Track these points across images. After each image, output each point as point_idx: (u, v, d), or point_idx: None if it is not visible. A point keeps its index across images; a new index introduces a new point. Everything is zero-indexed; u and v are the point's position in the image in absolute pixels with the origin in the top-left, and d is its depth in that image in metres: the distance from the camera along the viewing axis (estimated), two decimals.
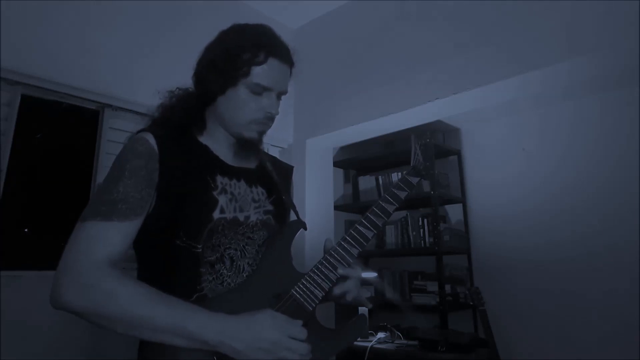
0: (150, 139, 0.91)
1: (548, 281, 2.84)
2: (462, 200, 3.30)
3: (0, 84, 1.77)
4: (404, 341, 2.74)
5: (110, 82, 2.04)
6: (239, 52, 0.93)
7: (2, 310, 1.62)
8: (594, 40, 1.74)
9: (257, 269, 0.94)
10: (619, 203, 2.67)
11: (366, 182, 3.47)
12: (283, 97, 1.01)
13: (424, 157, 1.08)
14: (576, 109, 2.95)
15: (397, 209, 1.02)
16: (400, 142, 3.33)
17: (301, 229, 1.01)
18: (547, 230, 2.90)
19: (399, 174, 3.29)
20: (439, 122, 3.06)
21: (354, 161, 3.54)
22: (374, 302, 3.16)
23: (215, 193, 0.93)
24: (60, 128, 2.13)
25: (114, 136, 2.07)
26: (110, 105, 2.07)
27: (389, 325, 2.87)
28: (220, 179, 0.96)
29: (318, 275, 0.94)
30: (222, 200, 0.94)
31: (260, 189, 1.04)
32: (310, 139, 2.76)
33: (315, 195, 2.76)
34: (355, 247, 0.97)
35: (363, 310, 2.92)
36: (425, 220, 3.14)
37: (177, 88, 1.03)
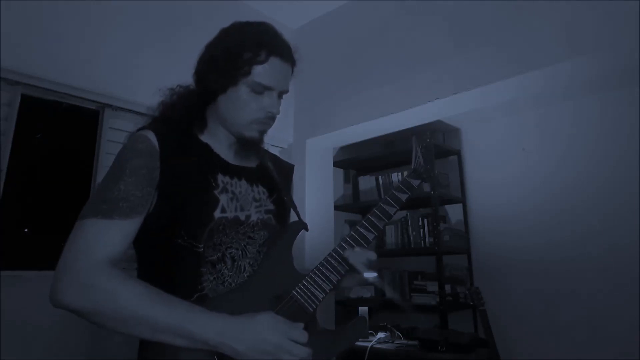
0: (152, 137, 0.90)
1: (548, 281, 2.84)
2: (462, 200, 3.30)
3: (0, 84, 1.77)
4: (404, 341, 2.74)
5: (110, 82, 2.04)
6: (240, 50, 0.92)
7: (2, 310, 1.62)
8: (594, 40, 1.74)
9: (258, 269, 0.94)
10: (619, 203, 2.67)
11: (366, 182, 3.47)
12: (284, 95, 1.00)
13: (425, 160, 1.08)
14: (576, 109, 2.95)
15: (397, 211, 1.02)
16: (400, 142, 3.33)
17: (302, 230, 1.01)
18: (547, 230, 2.90)
19: (399, 174, 3.29)
20: (439, 122, 3.06)
21: (354, 161, 3.54)
22: (374, 302, 3.16)
23: (216, 192, 0.93)
24: (60, 128, 2.14)
25: (114, 136, 2.07)
26: (110, 105, 2.07)
27: (389, 325, 2.87)
28: (221, 178, 0.95)
29: (319, 276, 0.94)
30: (223, 199, 0.93)
31: (261, 188, 1.03)
32: (310, 139, 2.76)
33: (315, 195, 2.76)
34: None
35: (363, 309, 2.92)
36: (425, 220, 3.14)
37: (178, 85, 1.02)
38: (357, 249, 0.96)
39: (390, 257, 3.47)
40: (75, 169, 2.20)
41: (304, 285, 0.92)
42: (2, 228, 1.82)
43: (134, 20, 2.17)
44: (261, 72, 0.93)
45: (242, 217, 0.96)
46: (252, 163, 1.05)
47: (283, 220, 1.07)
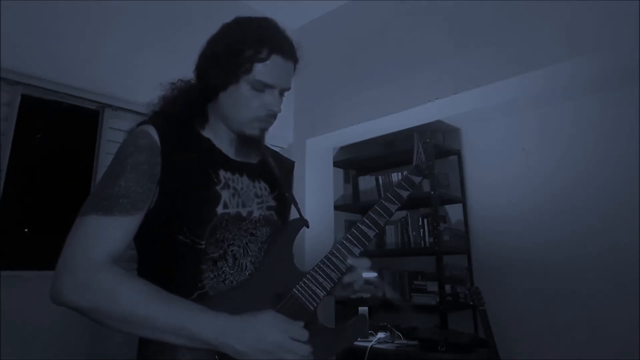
0: (153, 132, 0.89)
1: (548, 281, 2.84)
2: (462, 200, 3.30)
3: (0, 84, 1.77)
4: (404, 341, 2.74)
5: (110, 82, 2.04)
6: (242, 47, 0.91)
7: (2, 310, 1.62)
8: (594, 40, 1.74)
9: (259, 268, 0.93)
10: (619, 203, 2.67)
11: (366, 182, 3.47)
12: (285, 93, 0.99)
13: (426, 156, 1.08)
14: (576, 109, 2.95)
15: (398, 209, 1.02)
16: (400, 142, 3.33)
17: (303, 227, 1.00)
18: (547, 230, 2.90)
19: (399, 174, 3.29)
20: (439, 122, 3.06)
21: (354, 161, 3.54)
22: (374, 302, 3.16)
23: (218, 188, 0.92)
24: (60, 128, 2.13)
25: (114, 136, 2.07)
26: (110, 105, 2.07)
27: (389, 325, 2.87)
28: (223, 174, 0.95)
29: (320, 274, 0.93)
30: (225, 195, 0.92)
31: (262, 184, 1.02)
32: (310, 139, 2.76)
33: (315, 195, 2.76)
34: (357, 247, 0.97)
35: (363, 309, 2.92)
36: (425, 220, 3.14)
37: (179, 80, 1.01)
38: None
39: (390, 257, 3.47)
40: (75, 169, 2.20)
41: (304, 283, 0.92)
42: (2, 228, 1.82)
43: (134, 20, 2.17)
44: (262, 70, 0.91)
45: (244, 214, 0.95)
46: (253, 159, 1.04)
47: (284, 217, 1.06)
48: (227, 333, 0.78)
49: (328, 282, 0.93)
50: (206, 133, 0.99)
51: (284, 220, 1.06)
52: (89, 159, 2.03)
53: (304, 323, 0.87)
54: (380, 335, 2.80)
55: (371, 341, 2.71)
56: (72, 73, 1.93)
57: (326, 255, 0.96)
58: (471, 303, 2.48)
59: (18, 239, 2.06)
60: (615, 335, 2.55)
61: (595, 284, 2.67)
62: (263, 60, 0.91)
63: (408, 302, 3.09)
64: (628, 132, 2.70)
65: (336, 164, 3.37)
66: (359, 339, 0.99)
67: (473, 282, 3.11)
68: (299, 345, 0.82)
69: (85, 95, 1.99)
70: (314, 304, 0.91)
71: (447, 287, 2.90)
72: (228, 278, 0.90)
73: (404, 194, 1.02)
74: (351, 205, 3.53)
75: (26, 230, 2.12)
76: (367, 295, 3.16)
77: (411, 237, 3.20)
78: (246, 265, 0.92)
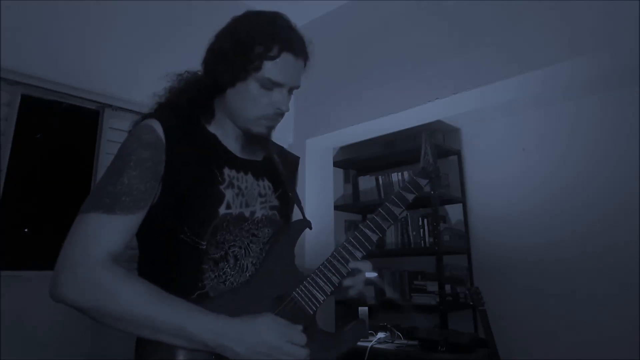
0: (158, 128, 0.87)
1: (548, 281, 2.84)
2: (462, 200, 3.30)
3: (0, 84, 1.77)
4: (404, 341, 2.73)
5: (110, 82, 2.04)
6: (252, 44, 0.88)
7: (2, 310, 1.62)
8: (594, 40, 1.74)
9: (259, 269, 0.92)
10: (619, 203, 2.67)
11: (366, 182, 3.47)
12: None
13: (433, 158, 1.05)
14: (576, 109, 2.95)
15: (403, 212, 1.00)
16: (400, 142, 3.33)
17: (306, 229, 0.99)
18: (547, 230, 2.90)
19: (399, 174, 3.29)
20: (439, 122, 3.06)
21: (354, 161, 3.54)
22: (374, 302, 3.16)
23: (222, 187, 0.90)
24: (60, 128, 2.14)
25: (114, 136, 2.07)
26: (110, 105, 2.07)
27: (389, 325, 2.86)
28: (227, 172, 0.93)
29: (320, 277, 0.93)
30: (228, 194, 0.91)
31: (266, 183, 1.00)
32: (310, 139, 2.76)
33: (315, 195, 2.76)
34: (359, 250, 0.96)
35: (363, 309, 2.92)
36: (425, 220, 3.14)
37: (186, 71, 0.99)
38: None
39: (390, 257, 3.47)
40: (75, 169, 2.20)
41: (305, 286, 0.91)
42: (2, 228, 1.82)
43: (134, 20, 2.17)
44: (272, 68, 0.89)
45: (247, 214, 0.93)
46: (258, 156, 1.02)
47: (287, 217, 1.05)
48: (226, 335, 0.77)
49: (328, 286, 0.93)
50: (212, 128, 0.97)
51: (286, 220, 1.04)
52: (89, 159, 2.03)
53: (302, 327, 0.86)
54: (380, 335, 2.80)
55: (371, 341, 2.71)
56: (72, 73, 1.93)
57: (328, 258, 0.95)
58: (471, 303, 2.48)
59: (18, 239, 2.06)
60: (615, 335, 2.55)
61: (595, 284, 2.67)
62: (273, 58, 0.89)
63: (408, 302, 3.09)
64: (628, 132, 2.70)
65: (336, 164, 3.36)
66: (358, 343, 0.98)
67: (473, 282, 3.11)
68: (297, 349, 0.82)
69: (85, 95, 1.99)
70: (314, 307, 0.91)
71: (447, 287, 2.90)
72: (229, 279, 0.89)
73: (410, 196, 1.01)
74: (351, 205, 3.53)
75: (26, 230, 2.12)
76: (371, 301, 3.16)
77: (411, 237, 3.20)
78: (247, 267, 0.91)
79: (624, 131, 2.72)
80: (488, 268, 3.09)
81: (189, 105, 0.94)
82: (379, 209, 0.98)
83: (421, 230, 3.15)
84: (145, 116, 0.92)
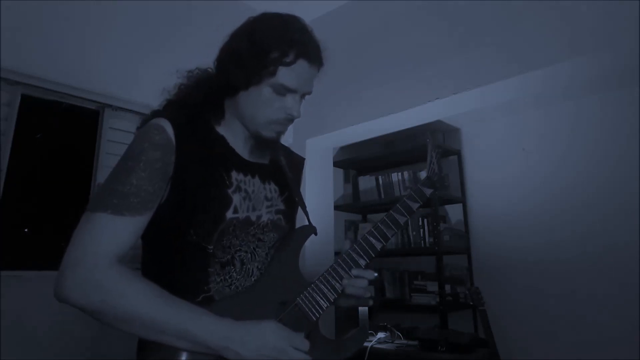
0: (168, 128, 0.86)
1: (548, 281, 2.84)
2: (462, 200, 3.30)
3: (0, 84, 1.77)
4: (404, 341, 2.74)
5: (110, 82, 2.04)
6: (267, 48, 0.87)
7: (2, 310, 1.62)
8: (594, 40, 1.74)
9: (264, 274, 0.92)
10: (619, 203, 2.67)
11: (366, 182, 3.47)
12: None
13: (439, 167, 1.07)
14: (576, 109, 2.95)
15: (407, 221, 1.01)
16: (400, 142, 3.33)
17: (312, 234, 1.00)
18: (547, 230, 2.90)
19: (399, 174, 3.29)
20: (439, 122, 3.06)
21: (354, 161, 3.54)
22: (374, 302, 3.16)
23: (229, 191, 0.90)
24: (60, 128, 2.14)
25: (114, 136, 2.07)
26: (110, 105, 2.07)
27: (389, 325, 2.86)
28: (235, 175, 0.92)
29: (324, 284, 0.93)
30: (236, 199, 0.90)
31: (273, 186, 1.00)
32: (310, 139, 2.76)
33: (315, 195, 2.76)
34: (363, 258, 0.97)
35: (363, 309, 2.92)
36: (425, 220, 3.14)
37: (197, 68, 0.98)
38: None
39: (390, 257, 3.47)
40: (75, 169, 2.20)
41: (309, 293, 0.92)
42: (2, 228, 1.82)
43: (134, 20, 2.17)
44: (287, 74, 0.89)
45: (253, 218, 0.93)
46: (265, 159, 1.02)
47: (292, 221, 1.05)
48: (230, 338, 0.78)
49: (332, 293, 0.93)
50: (221, 130, 0.96)
51: (291, 224, 1.04)
52: (89, 159, 2.03)
53: (305, 333, 0.87)
54: (380, 335, 2.80)
55: (371, 341, 2.71)
56: (72, 73, 1.93)
57: (332, 265, 0.95)
58: (471, 303, 2.48)
59: (18, 239, 2.06)
60: (615, 335, 2.55)
61: (595, 284, 2.67)
62: (289, 64, 0.88)
63: (408, 302, 3.09)
64: (628, 132, 2.70)
65: (336, 164, 3.36)
66: (358, 349, 0.98)
67: (473, 282, 3.11)
68: (301, 354, 0.82)
69: (85, 95, 1.99)
70: (317, 314, 0.91)
71: (447, 287, 2.90)
72: (234, 283, 0.88)
73: (414, 206, 1.01)
74: (351, 205, 3.53)
75: (26, 230, 2.12)
76: (367, 295, 3.15)
77: (411, 237, 3.20)
78: (253, 271, 0.91)
79: (624, 131, 2.72)
80: (488, 268, 3.09)
81: (199, 104, 0.94)
82: (384, 217, 0.99)
83: (421, 230, 3.15)
84: (155, 114, 0.91)
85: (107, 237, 0.78)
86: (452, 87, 2.12)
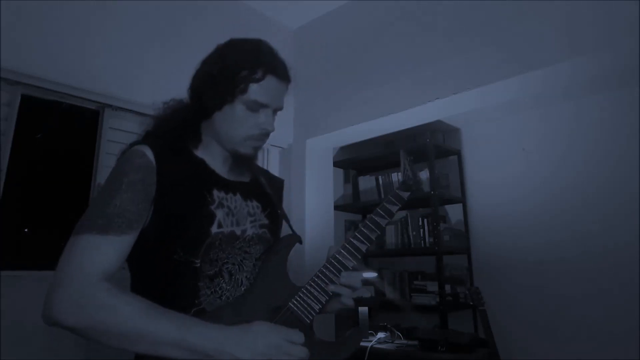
0: (148, 152, 0.90)
1: (548, 281, 2.84)
2: (462, 200, 3.30)
3: (0, 84, 1.77)
4: (404, 341, 2.74)
5: (110, 82, 2.04)
6: (237, 68, 0.93)
7: (2, 310, 1.62)
8: (594, 40, 1.74)
9: (254, 283, 0.95)
10: (619, 203, 2.67)
11: (366, 182, 3.47)
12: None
13: (413, 172, 1.12)
14: (576, 109, 2.95)
15: (389, 223, 1.04)
16: (400, 142, 3.33)
17: (297, 243, 1.03)
18: (547, 230, 2.90)
19: (399, 174, 3.29)
20: (439, 122, 3.06)
21: (354, 161, 3.54)
22: (375, 302, 3.16)
23: (212, 207, 0.93)
24: (60, 128, 2.13)
25: (114, 136, 2.07)
26: (110, 105, 2.07)
27: (389, 325, 2.86)
28: (217, 193, 0.96)
29: (315, 288, 0.95)
30: (219, 214, 0.94)
31: (255, 203, 1.04)
32: (310, 139, 2.76)
33: (315, 195, 2.76)
34: (350, 260, 0.99)
35: (363, 309, 2.92)
36: (425, 220, 3.14)
37: (172, 99, 1.03)
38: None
39: (390, 257, 3.47)
40: (75, 169, 2.20)
41: (300, 297, 0.94)
42: (2, 228, 1.82)
43: (134, 20, 2.17)
44: (257, 90, 0.94)
45: (238, 232, 0.97)
46: (245, 178, 1.07)
47: (277, 234, 1.08)
48: (226, 342, 0.78)
49: (323, 295, 0.95)
50: (200, 153, 1.01)
51: (276, 237, 1.08)
52: (89, 159, 2.03)
53: (298, 330, 0.88)
54: (380, 335, 2.80)
55: (371, 341, 2.71)
56: (72, 73, 1.93)
57: (320, 269, 0.98)
58: (471, 303, 2.48)
59: (18, 239, 2.06)
60: (615, 335, 2.55)
61: (595, 284, 2.67)
62: (258, 80, 0.94)
63: (407, 302, 3.09)
64: (628, 132, 2.70)
65: (336, 164, 3.36)
66: (355, 350, 0.99)
67: (473, 282, 3.11)
68: (297, 347, 0.83)
69: (85, 95, 1.99)
70: (310, 317, 0.93)
71: (447, 287, 2.90)
72: (225, 294, 0.91)
73: (394, 208, 1.05)
74: (351, 205, 3.53)
75: (26, 230, 2.12)
76: (366, 294, 3.16)
77: (411, 237, 3.20)
78: (242, 281, 0.94)
79: (624, 131, 2.72)
80: (488, 268, 3.10)
81: (176, 130, 0.99)
82: (366, 220, 1.03)
83: (421, 230, 3.15)
84: (134, 143, 0.95)
85: (94, 256, 0.79)
86: (452, 87, 2.12)
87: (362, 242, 1.00)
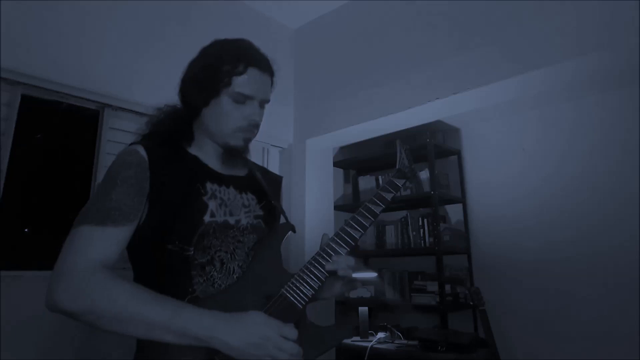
0: (141, 150, 0.94)
1: (548, 281, 2.84)
2: (462, 200, 3.30)
3: (0, 84, 1.77)
4: (404, 341, 2.74)
5: (110, 82, 2.04)
6: (219, 64, 0.97)
7: (2, 310, 1.62)
8: (594, 40, 1.74)
9: (247, 271, 0.97)
10: (619, 203, 2.67)
11: (366, 182, 3.47)
12: (274, 101, 1.04)
13: (408, 161, 1.13)
14: (576, 109, 2.95)
15: (383, 210, 1.04)
16: (400, 142, 3.33)
17: (290, 232, 1.04)
18: (547, 230, 2.90)
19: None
20: (439, 122, 3.06)
21: (354, 161, 3.55)
22: (374, 302, 3.17)
23: (205, 198, 0.96)
24: (60, 128, 2.13)
25: (114, 136, 2.07)
26: (110, 105, 2.07)
27: (389, 325, 2.87)
28: (209, 186, 0.99)
29: (307, 274, 0.96)
30: (211, 205, 0.96)
31: (250, 195, 1.07)
32: (310, 139, 2.76)
33: (315, 195, 2.76)
34: (344, 247, 0.99)
35: (363, 309, 2.92)
36: (425, 220, 3.14)
37: (166, 105, 1.06)
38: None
39: (390, 257, 3.47)
40: (75, 169, 2.20)
41: (292, 283, 0.95)
42: (2, 228, 1.82)
43: (134, 20, 2.17)
44: (241, 83, 0.97)
45: (232, 222, 0.99)
46: (240, 172, 1.09)
47: (272, 225, 1.09)
48: (217, 328, 0.80)
49: (316, 281, 0.96)
50: (192, 150, 1.04)
51: (272, 228, 1.08)
52: (89, 159, 2.03)
53: (294, 322, 0.89)
54: (380, 335, 2.80)
55: (371, 341, 2.71)
56: (72, 73, 1.93)
57: (313, 256, 0.99)
58: (471, 303, 2.48)
59: (18, 239, 2.05)
60: (615, 335, 2.55)
61: (595, 284, 2.67)
62: (241, 73, 0.97)
63: (408, 302, 3.09)
64: (628, 132, 2.70)
65: (336, 164, 3.37)
66: (355, 339, 1.00)
67: (473, 282, 3.11)
68: (288, 342, 0.83)
69: (85, 95, 1.99)
70: (303, 302, 0.94)
71: (447, 287, 2.90)
72: (216, 282, 0.93)
73: (388, 196, 1.06)
74: (351, 205, 3.53)
75: (26, 230, 2.12)
76: (366, 294, 3.16)
77: (411, 237, 3.20)
78: (234, 269, 0.96)
79: (624, 131, 2.72)
80: (488, 268, 3.10)
81: (169, 130, 1.03)
82: (360, 208, 1.03)
83: (421, 230, 3.15)
84: (130, 145, 0.99)
85: (93, 247, 0.83)
86: (452, 87, 2.12)
87: (355, 229, 1.01)
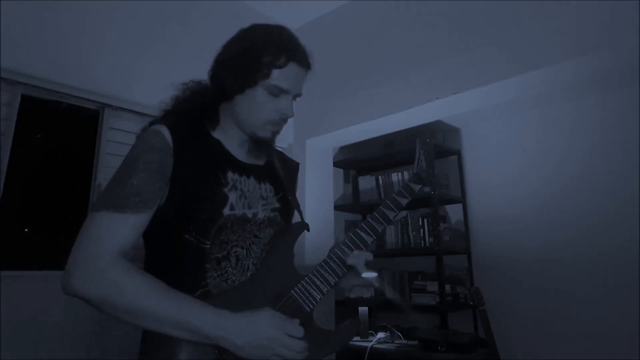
0: (165, 133, 0.91)
1: (548, 281, 2.84)
2: (462, 200, 3.30)
3: (0, 84, 1.77)
4: (404, 341, 2.74)
5: (110, 82, 2.04)
6: (260, 53, 0.94)
7: (2, 310, 1.62)
8: (594, 40, 1.74)
9: (260, 269, 0.96)
10: (619, 203, 2.67)
11: (366, 182, 3.47)
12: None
13: (427, 163, 1.11)
14: (576, 109, 2.95)
15: (397, 216, 1.04)
16: (400, 142, 3.33)
17: (304, 231, 1.03)
18: (547, 230, 2.90)
19: (399, 174, 3.30)
20: (439, 122, 3.06)
21: (354, 161, 3.55)
22: (374, 302, 3.16)
23: (225, 190, 0.95)
24: (60, 128, 2.13)
25: (114, 136, 2.07)
26: (110, 105, 2.07)
27: (389, 325, 2.87)
28: (230, 175, 0.97)
29: (318, 277, 0.96)
30: (232, 197, 0.95)
31: (268, 186, 1.05)
32: (310, 139, 2.76)
33: (315, 195, 2.76)
34: (354, 252, 0.99)
35: (363, 309, 2.92)
36: (425, 220, 3.14)
37: (191, 80, 1.04)
38: (355, 251, 0.98)
39: (390, 257, 3.47)
40: (75, 169, 2.20)
41: (302, 285, 0.95)
42: (2, 228, 1.82)
43: (134, 20, 2.17)
44: (279, 76, 0.95)
45: (250, 215, 0.98)
46: (260, 161, 1.07)
47: (288, 219, 1.09)
48: (226, 328, 0.81)
49: (325, 286, 0.96)
50: (216, 134, 1.02)
51: (287, 222, 1.08)
52: (89, 159, 2.03)
53: (299, 320, 0.90)
54: (380, 335, 2.80)
55: (371, 341, 2.71)
56: (72, 73, 1.93)
57: (324, 259, 0.99)
58: (471, 303, 2.48)
59: (18, 239, 2.05)
60: (615, 335, 2.55)
61: (595, 284, 2.68)
62: (281, 66, 0.94)
63: (407, 302, 3.09)
64: (628, 132, 2.70)
65: (336, 164, 3.37)
66: (356, 339, 1.01)
67: (473, 282, 3.11)
68: (293, 340, 0.85)
69: (85, 95, 1.99)
70: (311, 305, 0.95)
71: (447, 287, 2.90)
72: (230, 278, 0.93)
73: (403, 201, 1.05)
74: (351, 205, 3.53)
75: (26, 230, 2.12)
76: (367, 295, 3.16)
77: (411, 237, 3.20)
78: (248, 267, 0.95)
79: (624, 131, 2.72)
80: (488, 268, 3.10)
81: (194, 112, 1.00)
82: (374, 212, 1.03)
83: (421, 230, 3.15)
84: (153, 122, 0.97)
85: (110, 233, 0.82)
86: (452, 87, 2.12)
87: (368, 233, 1.01)
